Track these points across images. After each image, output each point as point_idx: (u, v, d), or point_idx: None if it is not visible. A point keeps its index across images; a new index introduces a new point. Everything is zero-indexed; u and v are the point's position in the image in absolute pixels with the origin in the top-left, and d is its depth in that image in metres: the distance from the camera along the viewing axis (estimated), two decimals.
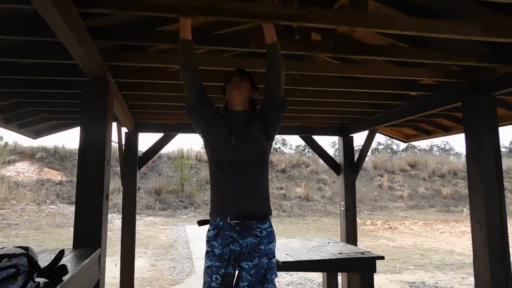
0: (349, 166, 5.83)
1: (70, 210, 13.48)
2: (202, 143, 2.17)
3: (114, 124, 4.92)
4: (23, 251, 1.60)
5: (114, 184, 13.79)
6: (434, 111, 3.98)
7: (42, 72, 3.10)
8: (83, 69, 2.52)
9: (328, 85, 3.69)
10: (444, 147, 40.18)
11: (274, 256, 2.01)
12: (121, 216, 5.48)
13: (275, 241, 2.06)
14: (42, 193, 14.59)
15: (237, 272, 2.00)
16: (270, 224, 2.06)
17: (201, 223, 2.17)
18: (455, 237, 11.84)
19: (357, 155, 5.97)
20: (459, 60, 2.79)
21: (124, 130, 5.31)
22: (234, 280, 2.00)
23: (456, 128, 5.09)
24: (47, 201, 14.27)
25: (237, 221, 1.95)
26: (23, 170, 16.20)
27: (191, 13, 1.91)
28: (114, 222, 11.90)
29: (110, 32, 2.45)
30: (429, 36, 2.25)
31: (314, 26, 2.17)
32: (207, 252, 2.02)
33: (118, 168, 6.24)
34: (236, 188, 1.97)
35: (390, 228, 13.51)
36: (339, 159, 6.04)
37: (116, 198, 13.92)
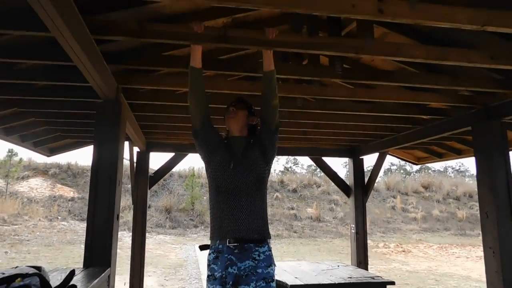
0: (359, 188, 5.79)
1: (81, 227, 13.56)
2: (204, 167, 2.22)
3: (126, 143, 5.02)
4: (35, 270, 1.65)
5: (125, 201, 13.88)
6: (445, 135, 3.96)
7: (58, 93, 3.22)
8: (97, 91, 2.61)
9: (338, 108, 3.72)
10: (459, 169, 39.24)
11: (273, 280, 2.01)
12: (131, 234, 5.50)
13: (274, 265, 2.07)
14: (54, 209, 14.74)
15: None
16: (269, 247, 2.07)
17: (202, 247, 2.19)
18: (472, 262, 11.48)
19: (368, 176, 5.92)
20: (469, 86, 2.80)
21: (136, 149, 5.40)
22: None
23: (468, 151, 5.04)
24: (59, 217, 14.40)
25: (235, 244, 1.98)
26: (36, 186, 16.45)
27: (201, 41, 1.97)
28: (124, 240, 11.91)
29: (123, 57, 2.54)
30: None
31: (321, 53, 2.22)
32: (208, 276, 2.04)
33: (129, 185, 6.31)
34: (234, 212, 2.01)
35: (404, 251, 13.19)
36: (349, 181, 6.00)
37: (126, 216, 13.98)
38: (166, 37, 1.98)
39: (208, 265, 2.05)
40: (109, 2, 1.96)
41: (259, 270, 1.96)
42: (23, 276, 1.55)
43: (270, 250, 2.07)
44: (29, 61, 2.53)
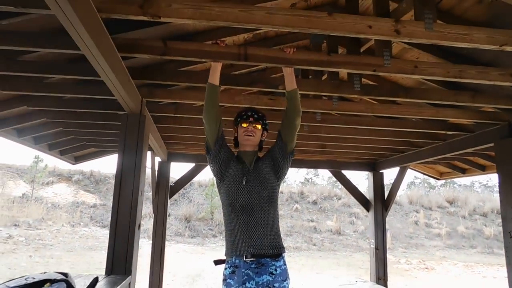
0: (379, 203, 5.71)
1: (102, 233, 13.84)
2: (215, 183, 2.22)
3: (149, 153, 5.14)
4: (63, 276, 1.74)
5: (145, 209, 14.09)
6: (467, 151, 3.88)
7: (85, 106, 3.37)
8: (122, 105, 2.72)
9: (358, 122, 3.72)
10: (487, 184, 37.29)
11: None
12: (151, 242, 5.59)
13: (289, 279, 2.09)
14: (77, 215, 15.12)
15: None
16: (284, 262, 2.10)
17: (217, 262, 2.21)
18: (500, 283, 11.02)
19: (388, 191, 5.83)
20: (489, 103, 2.75)
21: (157, 159, 5.52)
22: None
23: (493, 167, 4.91)
24: (81, 223, 14.75)
25: (252, 259, 2.01)
26: (60, 192, 16.93)
27: (222, 59, 2.04)
28: (143, 248, 12.06)
29: (146, 72, 2.64)
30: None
31: (340, 70, 2.25)
32: None
33: (150, 193, 6.44)
34: (249, 228, 2.03)
35: (427, 268, 12.79)
36: (369, 195, 5.93)
37: (147, 224, 14.19)
38: (189, 55, 2.06)
39: (224, 280, 2.06)
40: (135, 21, 2.05)
41: (276, 285, 1.99)
42: (52, 281, 1.64)
43: (285, 264, 2.09)
44: (60, 76, 2.67)
